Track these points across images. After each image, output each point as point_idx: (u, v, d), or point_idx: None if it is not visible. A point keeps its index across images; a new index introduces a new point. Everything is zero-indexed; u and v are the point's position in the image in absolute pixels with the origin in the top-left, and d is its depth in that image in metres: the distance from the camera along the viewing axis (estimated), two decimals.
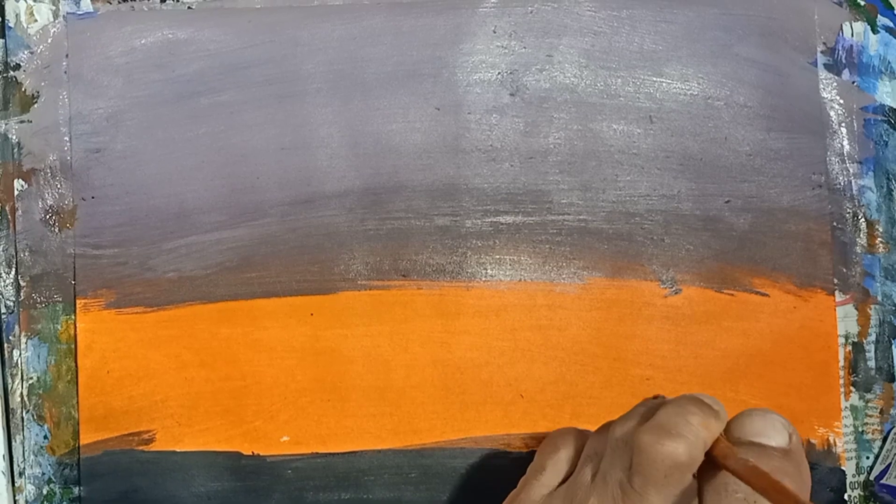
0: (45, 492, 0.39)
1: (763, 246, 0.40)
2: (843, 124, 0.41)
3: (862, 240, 0.41)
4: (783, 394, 0.40)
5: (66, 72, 0.40)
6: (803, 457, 0.31)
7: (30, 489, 0.39)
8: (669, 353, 0.40)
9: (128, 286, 0.39)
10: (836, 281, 0.40)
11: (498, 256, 0.40)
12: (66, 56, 0.40)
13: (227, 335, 0.39)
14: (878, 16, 0.41)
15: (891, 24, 0.41)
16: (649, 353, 0.40)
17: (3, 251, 0.39)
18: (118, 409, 0.39)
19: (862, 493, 0.40)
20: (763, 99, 0.40)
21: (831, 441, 0.40)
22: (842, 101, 0.41)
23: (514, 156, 0.40)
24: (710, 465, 0.29)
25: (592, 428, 0.34)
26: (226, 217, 0.39)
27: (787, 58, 0.41)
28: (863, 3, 0.41)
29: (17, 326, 0.39)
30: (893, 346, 0.40)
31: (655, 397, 0.33)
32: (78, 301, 0.39)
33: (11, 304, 0.39)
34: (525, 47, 0.40)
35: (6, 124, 0.39)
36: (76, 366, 0.39)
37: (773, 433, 0.31)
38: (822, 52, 0.41)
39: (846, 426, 0.40)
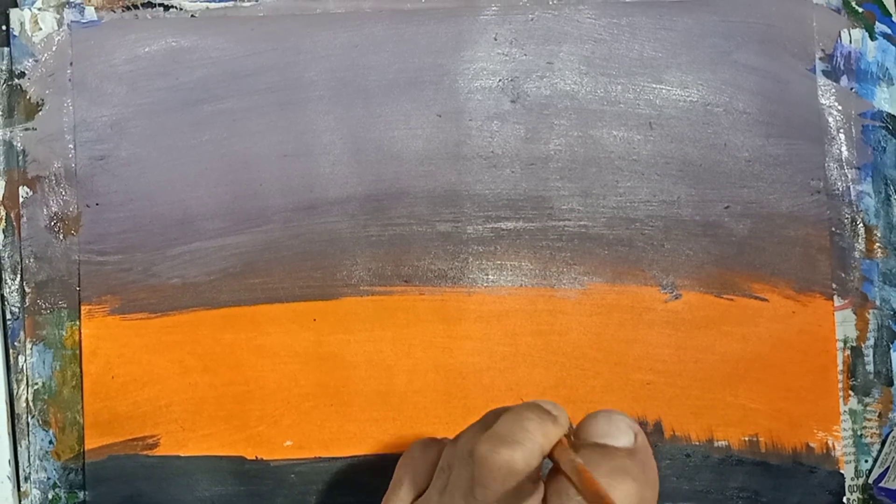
0: (50, 496, 0.39)
1: (762, 251, 0.41)
2: (841, 130, 0.41)
3: (860, 245, 0.41)
4: (782, 398, 0.40)
5: (70, 80, 0.40)
6: (650, 456, 0.32)
7: (35, 494, 0.39)
8: (670, 357, 0.40)
9: (132, 292, 0.40)
10: (834, 286, 0.41)
11: (499, 262, 0.40)
12: (71, 64, 0.40)
13: (230, 341, 0.40)
14: (876, 23, 0.41)
15: (888, 31, 0.41)
16: (650, 357, 0.40)
17: (8, 258, 0.39)
18: (123, 414, 0.39)
19: (861, 497, 0.40)
20: (762, 105, 0.41)
21: (830, 445, 0.40)
22: (840, 108, 0.41)
23: (515, 162, 0.40)
24: (556, 470, 0.30)
25: None
26: (229, 223, 0.40)
27: (786, 64, 0.41)
28: (861, 10, 0.41)
29: (22, 332, 0.39)
30: (892, 351, 0.41)
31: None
32: (83, 307, 0.39)
33: (17, 310, 0.39)
34: (526, 54, 0.41)
35: (11, 132, 0.40)
36: (81, 371, 0.39)
37: (617, 434, 0.31)
38: (820, 58, 0.41)
39: (845, 430, 0.40)
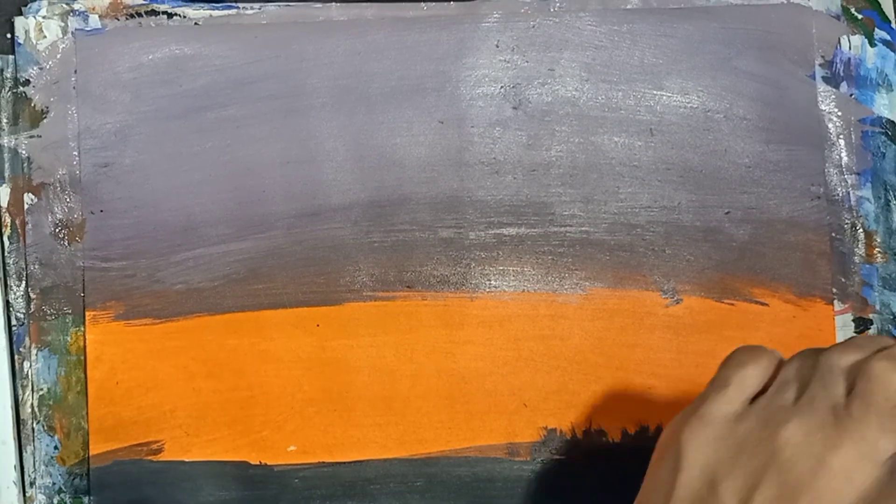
0: (55, 502, 0.39)
1: (762, 256, 0.41)
2: (841, 136, 0.41)
3: (860, 250, 0.41)
4: None
5: (74, 87, 0.40)
6: None
7: (40, 499, 0.39)
8: (671, 362, 0.40)
9: (136, 298, 0.40)
10: (834, 290, 0.41)
11: (501, 267, 0.41)
12: (75, 72, 0.40)
13: (234, 346, 0.40)
14: (875, 29, 0.41)
15: (888, 38, 0.41)
16: (651, 362, 0.40)
17: (13, 264, 0.40)
18: (127, 420, 0.39)
19: None
20: (762, 111, 0.41)
21: None
22: (840, 114, 0.41)
23: (516, 168, 0.41)
24: None
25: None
26: (233, 230, 0.40)
27: (786, 71, 0.41)
28: (860, 17, 0.41)
29: (27, 338, 0.40)
30: None
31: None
32: (87, 313, 0.40)
33: (22, 316, 0.40)
34: (527, 61, 0.41)
35: (16, 139, 0.40)
36: (86, 377, 0.39)
37: None
38: (820, 65, 0.41)
39: None
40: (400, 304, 0.40)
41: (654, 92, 0.41)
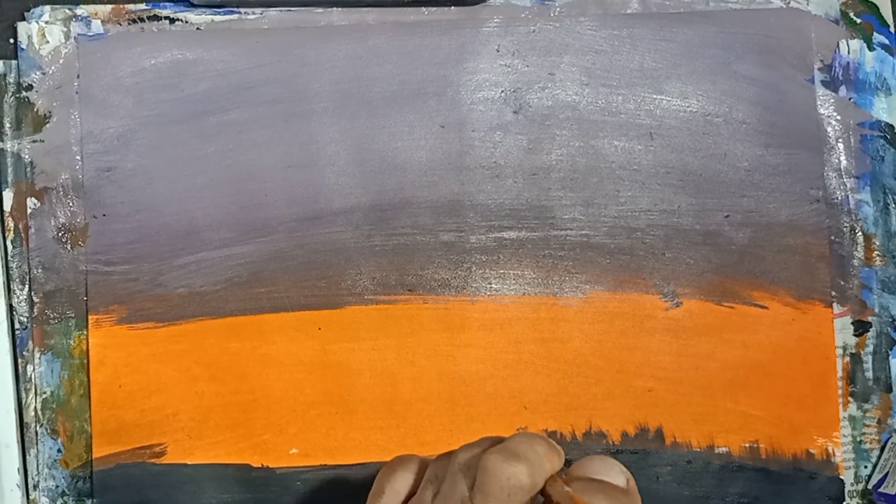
0: None
1: (762, 259, 0.41)
2: (840, 140, 0.41)
3: (859, 253, 0.41)
4: (782, 404, 0.41)
5: (77, 92, 0.40)
6: (638, 500, 0.32)
7: (44, 502, 0.39)
8: (671, 364, 0.41)
9: (139, 302, 0.40)
10: (833, 293, 0.41)
11: (502, 271, 0.41)
12: (78, 77, 0.40)
13: (236, 349, 0.40)
14: (874, 33, 0.42)
15: (886, 42, 0.42)
16: (651, 364, 0.41)
17: (16, 268, 0.40)
18: (130, 423, 0.40)
19: (860, 502, 0.41)
20: (761, 115, 0.41)
21: (830, 451, 0.41)
22: (839, 118, 0.41)
23: (517, 172, 0.41)
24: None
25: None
26: (235, 234, 0.40)
27: (785, 75, 0.41)
28: (859, 22, 0.42)
29: (30, 342, 0.40)
30: (891, 357, 0.41)
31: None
32: (90, 317, 0.40)
33: (25, 319, 0.40)
34: (528, 66, 0.41)
35: (19, 144, 0.40)
36: (88, 380, 0.40)
37: (612, 474, 0.32)
38: (819, 69, 0.42)
39: (844, 436, 0.41)
40: (401, 307, 0.40)
41: (654, 96, 0.41)
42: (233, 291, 0.40)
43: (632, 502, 0.31)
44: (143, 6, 0.41)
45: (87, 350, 0.40)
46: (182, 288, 0.40)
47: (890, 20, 0.42)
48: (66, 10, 0.40)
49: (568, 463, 0.31)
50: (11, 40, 0.41)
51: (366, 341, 0.40)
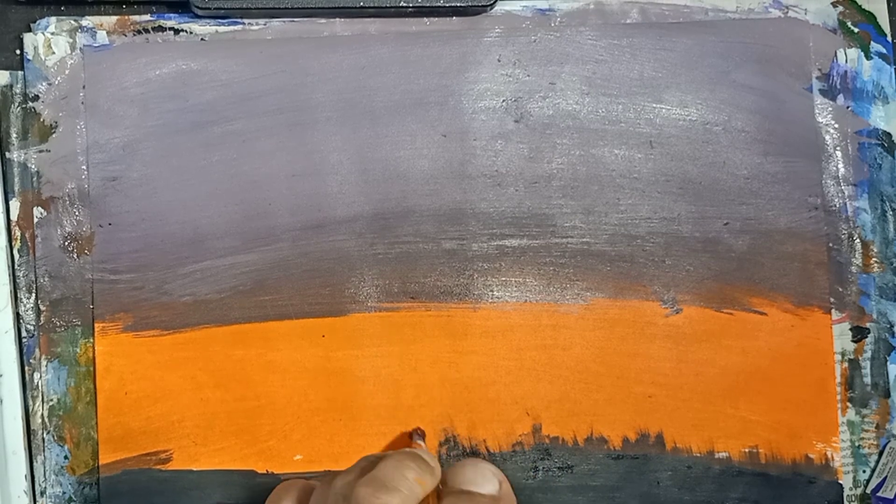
0: None
1: (761, 266, 0.41)
2: (838, 148, 0.42)
3: (857, 260, 0.42)
4: (782, 409, 0.41)
5: (83, 102, 0.41)
6: (512, 501, 0.34)
7: None
8: (671, 370, 0.41)
9: (144, 310, 0.40)
10: (832, 300, 0.41)
11: (504, 278, 0.41)
12: (83, 87, 0.41)
13: (241, 357, 0.40)
14: (872, 42, 0.42)
15: (884, 51, 0.42)
16: (651, 371, 0.41)
17: (23, 277, 0.40)
18: (136, 430, 0.40)
19: None
20: (760, 124, 0.42)
21: (829, 455, 0.41)
22: (836, 126, 0.42)
23: (518, 181, 0.41)
24: None
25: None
26: (239, 242, 0.41)
27: (783, 84, 0.42)
28: (856, 31, 0.42)
29: (37, 350, 0.40)
30: (889, 363, 0.41)
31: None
32: (96, 325, 0.40)
33: (32, 328, 0.40)
34: (529, 75, 0.42)
35: (26, 154, 0.40)
36: (95, 388, 0.40)
37: (482, 481, 0.34)
38: (817, 77, 0.42)
39: (843, 441, 0.41)
40: (404, 314, 0.41)
41: (654, 105, 0.42)
42: (237, 299, 0.40)
43: None
44: (147, 17, 0.41)
45: (94, 358, 0.40)
46: (187, 296, 0.40)
47: (887, 29, 0.42)
48: (72, 22, 0.41)
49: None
50: (18, 51, 0.41)
51: (369, 348, 0.41)
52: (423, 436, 0.39)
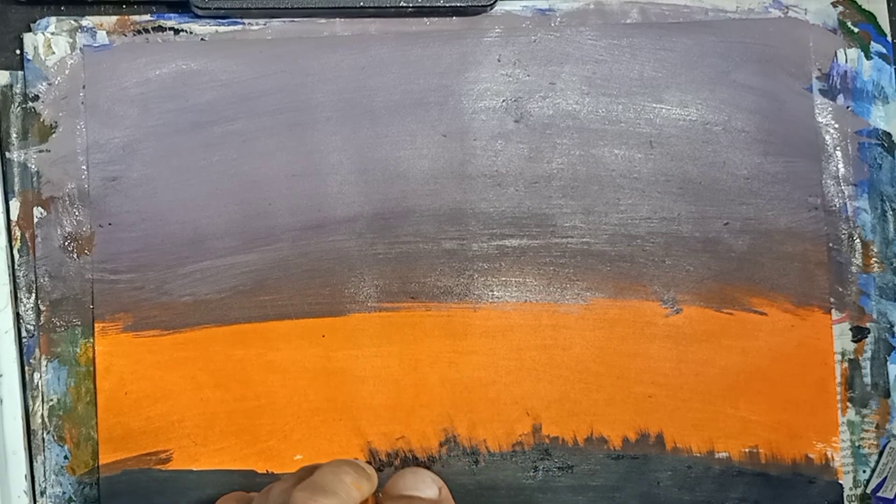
0: None
1: (761, 266, 0.41)
2: (837, 148, 0.42)
3: (857, 260, 0.42)
4: (782, 409, 0.41)
5: (83, 102, 0.41)
6: None
7: None
8: (671, 370, 0.41)
9: (144, 310, 0.40)
10: (832, 300, 0.41)
11: (504, 278, 0.41)
12: (83, 87, 0.41)
13: (241, 357, 0.40)
14: (872, 42, 0.42)
15: (883, 51, 0.42)
16: (651, 371, 0.41)
17: (23, 277, 0.40)
18: (136, 430, 0.40)
19: None
20: (760, 124, 0.42)
21: (829, 455, 0.41)
22: (836, 126, 0.42)
23: (518, 181, 0.41)
24: None
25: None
26: (239, 242, 0.41)
27: (783, 84, 0.42)
28: (856, 31, 0.42)
29: (37, 350, 0.40)
30: (888, 363, 0.41)
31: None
32: (96, 325, 0.40)
33: (32, 328, 0.40)
34: (529, 75, 0.42)
35: (25, 154, 0.40)
36: (95, 388, 0.40)
37: (423, 487, 0.34)
38: (817, 77, 0.42)
39: (843, 441, 0.41)
40: (404, 314, 0.41)
41: (654, 105, 0.42)
42: (237, 299, 0.40)
43: None
44: (148, 17, 0.41)
45: (94, 358, 0.40)
46: (187, 296, 0.40)
47: (887, 29, 0.42)
48: (72, 22, 0.41)
49: None
50: (18, 51, 0.41)
51: (369, 348, 0.41)
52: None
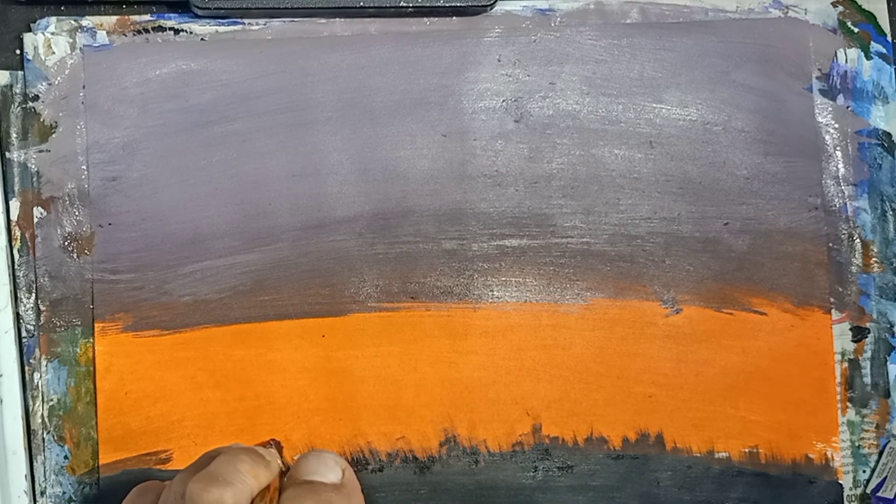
0: None
1: (761, 266, 0.41)
2: (837, 148, 0.42)
3: (857, 260, 0.42)
4: (782, 409, 0.41)
5: (83, 102, 0.41)
6: (356, 489, 0.35)
7: None
8: (671, 370, 0.41)
9: (144, 310, 0.40)
10: (832, 300, 0.41)
11: (504, 278, 0.41)
12: (83, 87, 0.41)
13: (241, 357, 0.40)
14: (871, 42, 0.42)
15: (883, 51, 0.42)
16: (651, 371, 0.41)
17: (23, 277, 0.40)
18: (136, 430, 0.40)
19: None
20: (760, 124, 0.42)
21: (829, 455, 0.41)
22: (836, 126, 0.42)
23: (518, 181, 0.41)
24: None
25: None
26: (239, 242, 0.41)
27: (783, 84, 0.42)
28: (856, 31, 0.42)
29: (37, 350, 0.40)
30: (888, 363, 0.41)
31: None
32: (96, 325, 0.40)
33: (32, 328, 0.40)
34: (529, 75, 0.42)
35: (26, 154, 0.40)
36: (95, 388, 0.40)
37: (325, 470, 0.34)
38: (817, 77, 0.42)
39: (843, 441, 0.41)
40: (404, 314, 0.41)
41: (654, 105, 0.42)
42: (237, 299, 0.40)
43: (344, 497, 0.33)
44: (147, 17, 0.41)
45: (94, 358, 0.40)
46: (187, 296, 0.40)
47: (887, 29, 0.42)
48: (72, 22, 0.41)
49: None
50: (18, 51, 0.41)
51: (369, 348, 0.41)
52: (273, 446, 0.39)
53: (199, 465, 0.33)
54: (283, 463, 0.37)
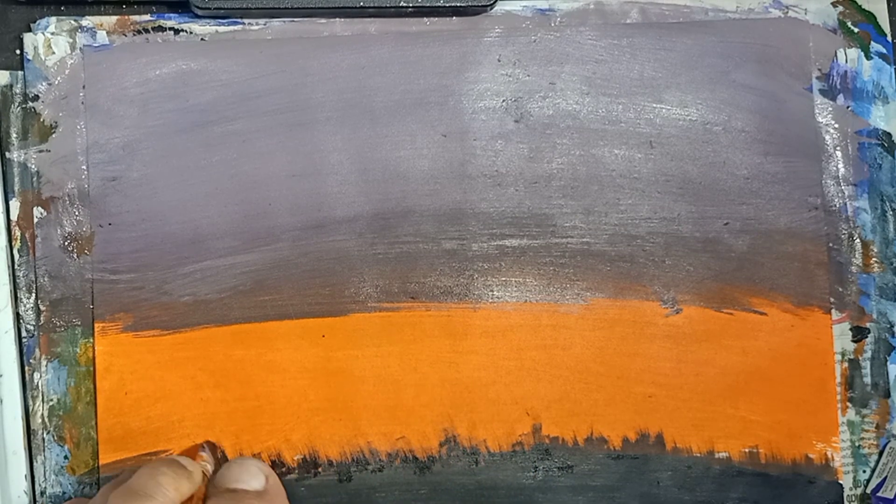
0: None
1: (761, 266, 0.41)
2: (838, 148, 0.42)
3: (857, 260, 0.42)
4: (782, 410, 0.41)
5: (83, 102, 0.41)
6: (280, 495, 0.35)
7: None
8: (671, 370, 0.41)
9: (144, 310, 0.40)
10: (832, 300, 0.41)
11: (504, 278, 0.41)
12: (83, 87, 0.41)
13: (241, 357, 0.40)
14: (871, 42, 0.42)
15: (883, 51, 0.42)
16: (651, 371, 0.41)
17: (23, 277, 0.40)
18: (136, 430, 0.40)
19: None
20: (760, 124, 0.42)
21: (829, 455, 0.41)
22: (837, 126, 0.42)
23: (518, 181, 0.41)
24: None
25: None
26: (239, 242, 0.41)
27: (783, 84, 0.42)
28: (856, 31, 0.42)
29: (37, 350, 0.40)
30: (888, 363, 0.42)
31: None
32: (96, 325, 0.40)
33: (32, 328, 0.40)
34: (529, 75, 0.42)
35: (25, 154, 0.40)
36: (95, 388, 0.40)
37: (248, 478, 0.34)
38: (817, 77, 0.42)
39: (843, 441, 0.41)
40: (404, 314, 0.41)
41: (654, 105, 0.42)
42: (237, 299, 0.40)
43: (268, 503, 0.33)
44: (147, 17, 0.41)
45: (94, 358, 0.40)
46: (187, 296, 0.40)
47: (887, 29, 0.42)
48: (72, 22, 0.41)
49: None
50: (18, 51, 0.41)
51: (369, 348, 0.41)
52: (208, 449, 0.39)
53: (121, 480, 0.33)
54: (214, 467, 0.37)
